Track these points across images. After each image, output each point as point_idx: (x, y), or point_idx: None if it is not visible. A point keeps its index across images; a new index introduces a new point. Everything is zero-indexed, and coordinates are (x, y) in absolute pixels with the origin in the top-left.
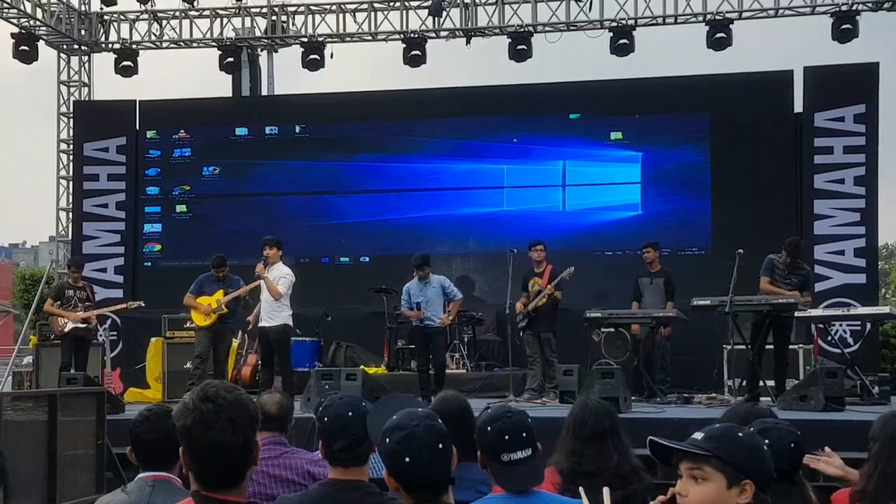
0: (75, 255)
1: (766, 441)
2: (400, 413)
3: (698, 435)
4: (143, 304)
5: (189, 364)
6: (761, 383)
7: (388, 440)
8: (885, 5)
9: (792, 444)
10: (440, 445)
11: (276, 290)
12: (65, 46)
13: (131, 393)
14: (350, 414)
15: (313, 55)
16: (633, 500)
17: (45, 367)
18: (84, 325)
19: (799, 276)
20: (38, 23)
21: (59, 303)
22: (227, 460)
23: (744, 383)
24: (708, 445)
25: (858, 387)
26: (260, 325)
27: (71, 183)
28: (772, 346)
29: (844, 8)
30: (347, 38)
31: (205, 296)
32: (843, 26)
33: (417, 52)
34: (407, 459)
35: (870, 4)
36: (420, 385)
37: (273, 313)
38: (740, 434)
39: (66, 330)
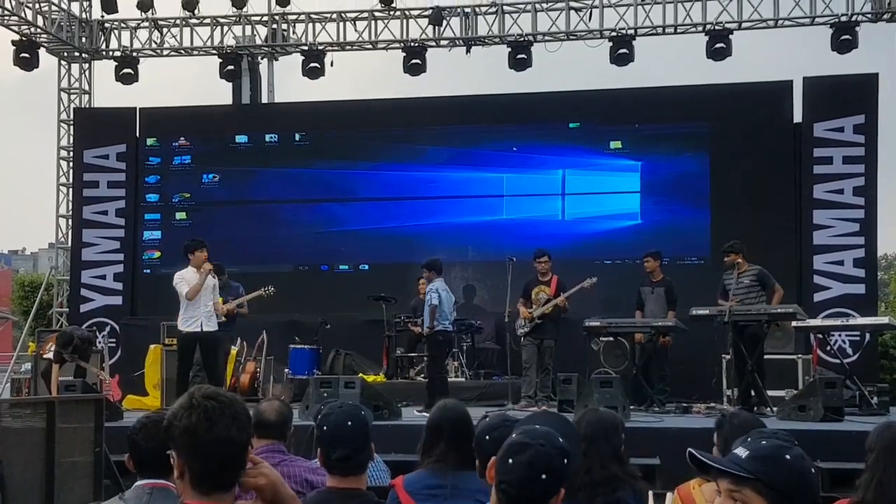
0: (74, 265)
1: None
2: (543, 428)
3: (742, 451)
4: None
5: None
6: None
7: (514, 435)
8: (885, 16)
9: None
10: (543, 476)
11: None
12: (65, 54)
13: (130, 400)
14: (349, 423)
15: (313, 63)
16: None
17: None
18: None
19: (749, 275)
20: (38, 30)
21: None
22: (230, 458)
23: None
24: (752, 467)
25: (857, 397)
26: (201, 329)
27: (71, 190)
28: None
29: (844, 19)
30: (347, 47)
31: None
32: (843, 37)
33: (417, 61)
34: (510, 461)
35: (869, 15)
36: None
37: (212, 317)
38: (787, 456)
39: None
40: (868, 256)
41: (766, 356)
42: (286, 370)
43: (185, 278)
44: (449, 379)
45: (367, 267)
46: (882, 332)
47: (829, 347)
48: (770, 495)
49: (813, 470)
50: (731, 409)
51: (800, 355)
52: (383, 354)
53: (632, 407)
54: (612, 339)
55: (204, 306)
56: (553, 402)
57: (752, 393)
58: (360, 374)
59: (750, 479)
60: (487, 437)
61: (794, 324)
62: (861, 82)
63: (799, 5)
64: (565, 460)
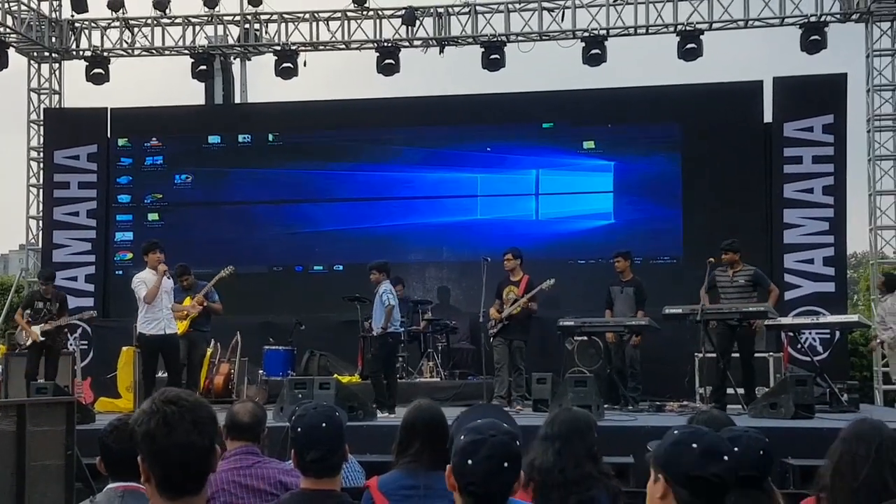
0: (45, 266)
1: (736, 448)
2: (486, 420)
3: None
4: (94, 314)
5: (162, 373)
6: (731, 391)
7: (462, 437)
8: (853, 17)
9: (761, 452)
10: (505, 464)
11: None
12: (35, 54)
13: (102, 402)
14: (324, 425)
15: (286, 63)
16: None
17: (14, 376)
18: (43, 340)
19: (744, 275)
20: (8, 30)
21: (28, 311)
22: (191, 463)
23: (712, 390)
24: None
25: (828, 394)
26: (164, 332)
27: (41, 191)
28: (737, 355)
29: (813, 19)
30: (321, 47)
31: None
32: (812, 37)
33: (391, 61)
34: (469, 462)
35: (838, 16)
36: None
37: (174, 321)
38: (675, 431)
39: (28, 345)
40: (838, 255)
41: (734, 355)
42: (260, 371)
43: (143, 280)
44: (424, 379)
45: (341, 268)
46: (852, 329)
47: (799, 345)
48: (651, 462)
49: (695, 445)
50: (704, 406)
51: (771, 353)
52: (358, 355)
53: (605, 406)
54: (586, 338)
55: (166, 308)
56: (528, 401)
57: (738, 392)
58: (335, 375)
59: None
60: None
61: (765, 322)
62: (830, 82)
63: (769, 6)
64: (517, 442)
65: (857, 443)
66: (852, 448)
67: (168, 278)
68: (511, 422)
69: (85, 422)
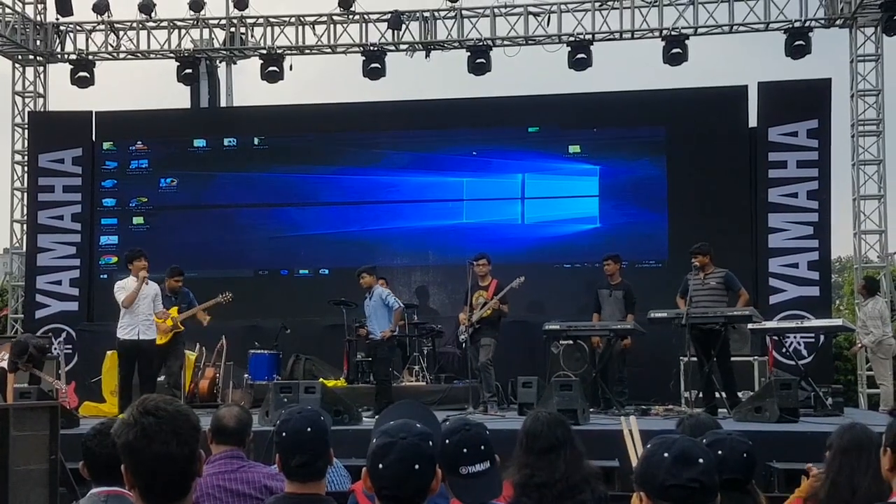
0: (29, 269)
1: (719, 452)
2: (399, 421)
3: None
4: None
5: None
6: (717, 395)
7: (374, 440)
8: (837, 22)
9: (744, 455)
10: (416, 466)
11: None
12: (20, 57)
13: (87, 407)
14: (309, 430)
15: (272, 67)
16: None
17: None
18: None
19: (716, 277)
20: None
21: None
22: (172, 473)
23: (699, 395)
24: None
25: (812, 398)
26: (138, 338)
27: (26, 194)
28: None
29: (797, 24)
30: (307, 51)
31: (159, 312)
32: (796, 42)
33: (377, 65)
34: (380, 466)
35: (822, 21)
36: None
37: (151, 326)
38: (647, 445)
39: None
40: (822, 259)
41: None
42: (246, 375)
43: (124, 287)
44: (410, 383)
45: (327, 271)
46: (836, 333)
47: (784, 349)
48: (636, 489)
49: (666, 454)
50: (689, 410)
51: (756, 357)
52: (344, 359)
53: (591, 410)
54: (571, 342)
55: (143, 314)
56: (505, 406)
57: (723, 395)
58: (321, 379)
59: None
60: (447, 442)
61: (749, 326)
62: (814, 87)
63: (753, 11)
64: (430, 443)
65: (857, 455)
66: (851, 462)
67: (147, 284)
68: (430, 419)
69: (69, 426)
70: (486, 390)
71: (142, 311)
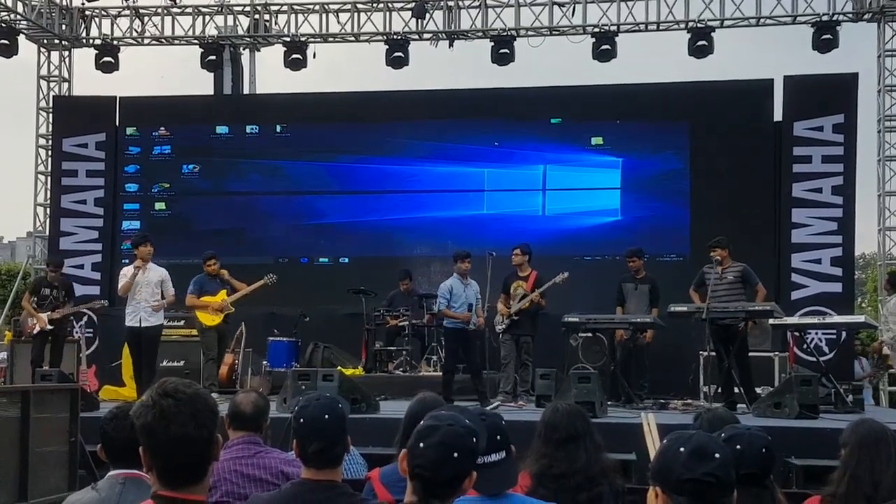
0: (53, 252)
1: (738, 446)
2: (450, 409)
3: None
4: (105, 304)
5: (167, 362)
6: (736, 389)
7: (422, 422)
8: (866, 16)
9: (763, 450)
10: (455, 454)
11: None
12: (45, 41)
13: (106, 390)
14: (326, 417)
15: (296, 55)
16: (601, 501)
17: (19, 363)
18: (51, 328)
19: (733, 272)
20: (18, 17)
21: (34, 298)
22: (189, 455)
23: (718, 390)
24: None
25: (833, 395)
26: (140, 324)
27: (49, 178)
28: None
29: (825, 18)
30: (330, 39)
31: (207, 295)
32: (824, 36)
33: (400, 54)
34: (421, 445)
35: (850, 15)
36: (444, 387)
37: (154, 313)
38: (664, 441)
39: (34, 332)
40: (845, 255)
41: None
42: (264, 362)
43: (124, 273)
44: (428, 373)
45: (347, 260)
46: (858, 330)
47: (805, 345)
48: (652, 484)
49: (682, 449)
50: (707, 405)
51: (776, 353)
52: (362, 348)
53: (609, 403)
54: (590, 334)
55: (144, 301)
56: (532, 396)
57: (742, 391)
58: (339, 368)
59: None
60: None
61: (771, 321)
62: (841, 82)
63: (781, 4)
64: (474, 439)
65: (875, 447)
66: (871, 455)
67: (148, 271)
68: (478, 422)
69: (89, 409)
70: (521, 385)
71: (143, 297)
